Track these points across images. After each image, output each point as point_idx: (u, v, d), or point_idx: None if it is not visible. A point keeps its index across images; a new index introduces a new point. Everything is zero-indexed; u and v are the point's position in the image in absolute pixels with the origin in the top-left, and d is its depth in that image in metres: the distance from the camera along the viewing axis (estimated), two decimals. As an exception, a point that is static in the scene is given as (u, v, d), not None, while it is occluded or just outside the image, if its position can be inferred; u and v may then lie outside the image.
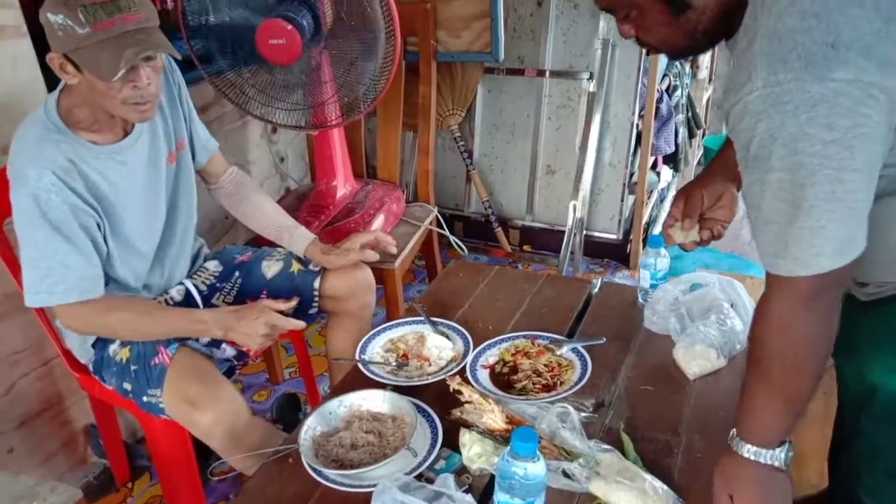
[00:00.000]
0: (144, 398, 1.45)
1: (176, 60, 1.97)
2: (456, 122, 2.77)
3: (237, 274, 1.71)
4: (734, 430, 0.98)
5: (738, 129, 0.82)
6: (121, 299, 1.46)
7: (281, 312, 1.44)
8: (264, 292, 1.68)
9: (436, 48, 2.31)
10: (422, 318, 1.52)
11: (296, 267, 1.71)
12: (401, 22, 1.86)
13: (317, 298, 1.68)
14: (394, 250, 1.76)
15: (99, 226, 1.39)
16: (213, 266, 1.72)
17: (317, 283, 1.68)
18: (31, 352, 1.70)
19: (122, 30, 1.23)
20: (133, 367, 1.44)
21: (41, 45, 1.62)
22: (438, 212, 2.43)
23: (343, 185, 2.16)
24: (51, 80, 1.68)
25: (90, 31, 1.22)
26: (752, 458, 0.94)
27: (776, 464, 0.94)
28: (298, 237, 1.71)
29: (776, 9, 0.79)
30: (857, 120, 0.75)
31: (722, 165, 1.25)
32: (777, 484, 0.95)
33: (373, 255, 1.71)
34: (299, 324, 1.47)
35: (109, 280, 1.48)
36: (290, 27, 1.76)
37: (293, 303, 1.48)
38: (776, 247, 0.84)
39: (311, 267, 1.71)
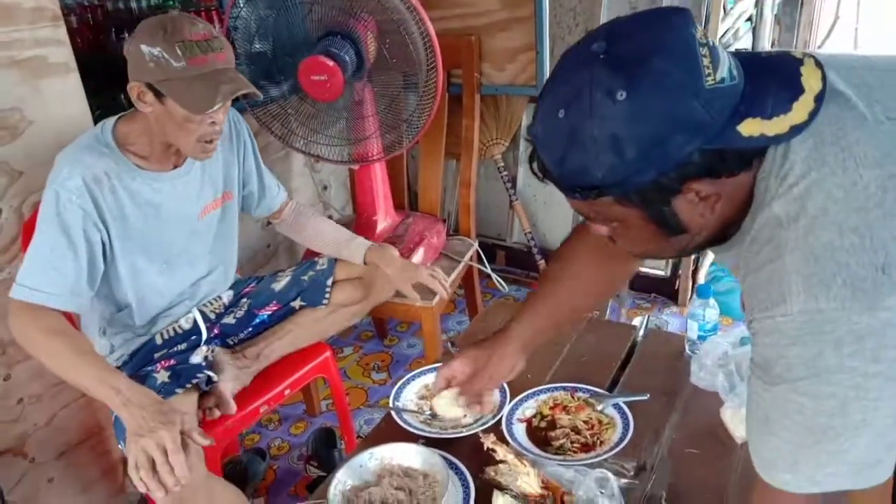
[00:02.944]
0: (120, 444, 1.45)
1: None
2: (500, 151, 2.74)
3: (245, 299, 1.74)
4: None
5: (762, 341, 0.73)
6: (68, 329, 1.35)
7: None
8: (273, 302, 1.73)
9: (480, 81, 2.29)
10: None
11: (307, 276, 1.74)
12: (445, 54, 1.84)
13: (328, 293, 1.72)
14: (444, 295, 1.88)
15: (104, 245, 1.41)
16: (227, 296, 1.74)
17: (329, 281, 1.73)
18: (72, 383, 1.72)
19: (213, 67, 1.33)
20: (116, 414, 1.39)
21: (88, 81, 1.67)
22: (480, 241, 2.39)
23: (384, 219, 2.14)
24: (96, 106, 1.73)
25: (185, 66, 1.30)
26: None
27: None
28: (356, 247, 1.79)
29: (804, 220, 0.69)
30: None
31: (523, 331, 1.15)
32: None
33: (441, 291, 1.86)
34: (183, 471, 1.17)
35: (111, 303, 1.50)
36: (331, 63, 1.76)
37: (208, 441, 1.24)
38: (781, 460, 0.74)
39: (321, 267, 1.75)
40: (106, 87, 2.19)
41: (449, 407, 1.16)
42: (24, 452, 1.65)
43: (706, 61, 0.67)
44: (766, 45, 3.34)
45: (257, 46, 1.92)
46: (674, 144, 0.67)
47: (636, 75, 0.66)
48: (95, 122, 1.68)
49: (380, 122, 1.93)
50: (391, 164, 2.27)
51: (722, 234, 0.79)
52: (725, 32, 2.64)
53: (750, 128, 0.68)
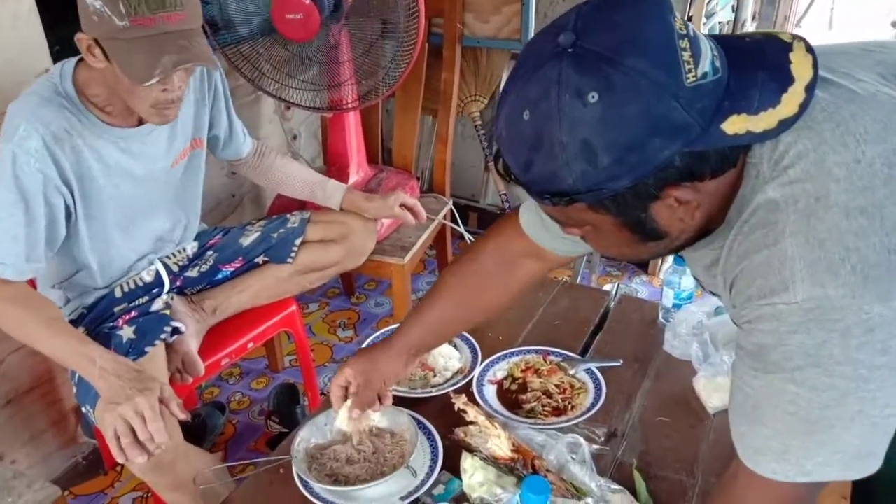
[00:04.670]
0: (83, 409, 1.38)
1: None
2: (478, 108, 2.66)
3: (210, 252, 1.66)
4: None
5: (758, 328, 0.67)
6: (31, 296, 1.30)
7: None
8: (239, 258, 1.66)
9: (461, 32, 2.20)
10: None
11: (276, 233, 1.67)
12: (427, 1, 1.76)
13: (294, 252, 1.65)
14: (423, 221, 1.81)
15: (68, 208, 1.31)
16: (192, 248, 1.66)
17: (298, 241, 1.66)
18: (22, 327, 1.63)
19: (162, 30, 1.16)
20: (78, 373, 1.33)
21: (45, 13, 1.55)
22: (453, 201, 2.34)
23: (356, 172, 2.07)
24: (54, 41, 1.61)
25: (128, 25, 1.14)
26: None
27: None
28: (332, 190, 1.73)
29: (804, 203, 0.64)
30: None
31: (409, 340, 1.12)
32: None
33: (411, 220, 1.77)
34: (163, 437, 1.16)
35: (72, 262, 1.41)
36: (308, 2, 1.66)
37: (184, 416, 1.22)
38: (769, 449, 0.70)
39: (292, 225, 1.68)
40: (65, 21, 2.04)
41: (348, 421, 1.13)
42: (-32, 398, 1.58)
43: (686, 56, 0.61)
44: (747, 17, 3.30)
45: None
46: (651, 149, 0.61)
47: (609, 76, 0.60)
48: (54, 60, 1.56)
49: (356, 69, 1.84)
50: (365, 117, 2.19)
51: (705, 232, 0.74)
52: (709, 1, 2.60)
53: (735, 125, 0.62)
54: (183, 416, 1.21)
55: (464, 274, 1.12)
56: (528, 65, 0.65)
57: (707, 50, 0.63)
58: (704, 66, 0.62)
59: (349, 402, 1.12)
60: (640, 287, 2.61)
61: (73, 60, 1.30)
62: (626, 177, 0.63)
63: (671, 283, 1.44)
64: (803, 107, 0.63)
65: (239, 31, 1.85)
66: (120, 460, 1.17)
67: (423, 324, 1.13)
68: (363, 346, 1.39)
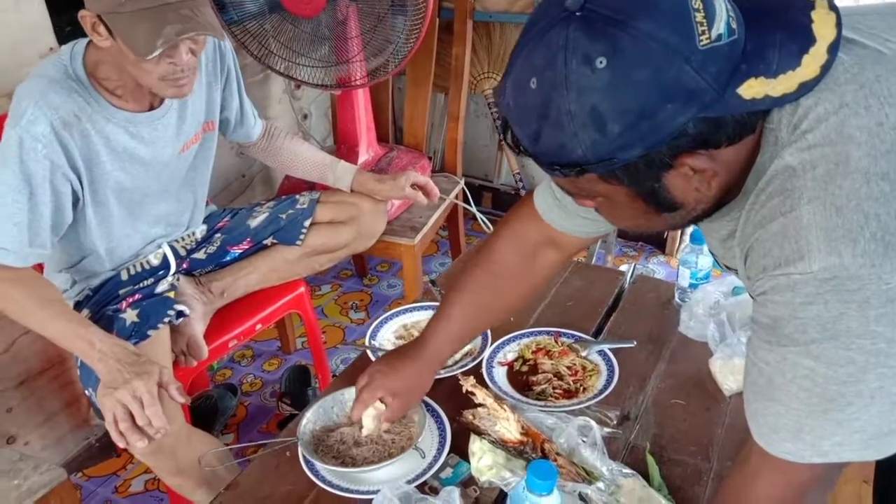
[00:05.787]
0: (87, 391, 1.38)
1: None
2: (490, 86, 2.62)
3: (219, 234, 1.64)
4: None
5: (772, 300, 0.64)
6: (34, 279, 1.28)
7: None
8: (247, 239, 1.63)
9: (473, 5, 2.15)
10: (439, 304, 1.42)
11: (285, 214, 1.64)
12: (437, -25, 1.71)
13: (303, 234, 1.62)
14: (436, 200, 1.77)
15: (75, 194, 1.29)
16: (200, 231, 1.64)
17: (307, 223, 1.63)
18: (32, 309, 1.63)
19: (162, 1, 1.13)
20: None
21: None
22: (466, 181, 2.30)
23: (366, 151, 2.04)
24: (65, 22, 1.59)
25: None
26: None
27: None
28: (342, 172, 1.70)
29: (823, 168, 0.60)
30: None
31: (441, 347, 1.10)
32: None
33: (423, 199, 1.72)
34: (161, 422, 1.14)
35: (78, 248, 1.40)
36: (314, -24, 1.63)
37: (183, 399, 1.21)
38: (783, 428, 0.66)
39: (301, 206, 1.65)
40: (73, 2, 2.02)
41: (375, 423, 1.10)
42: (-21, 380, 1.58)
43: (699, 17, 0.58)
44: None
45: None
46: (663, 116, 0.59)
47: (617, 39, 0.57)
48: (63, 41, 1.54)
49: (364, 44, 1.80)
50: (376, 95, 2.16)
51: (722, 202, 0.72)
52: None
53: (752, 89, 0.60)
54: (182, 399, 1.19)
55: (483, 273, 1.09)
56: (534, 31, 0.62)
57: (722, 10, 0.60)
58: (719, 27, 0.59)
59: (374, 412, 1.09)
60: (657, 267, 2.56)
61: (83, 41, 1.27)
62: (637, 145, 0.60)
63: (687, 262, 1.40)
64: (825, 68, 0.60)
65: (246, 8, 1.82)
66: (120, 444, 1.16)
67: (450, 336, 1.10)
68: (373, 324, 1.38)
